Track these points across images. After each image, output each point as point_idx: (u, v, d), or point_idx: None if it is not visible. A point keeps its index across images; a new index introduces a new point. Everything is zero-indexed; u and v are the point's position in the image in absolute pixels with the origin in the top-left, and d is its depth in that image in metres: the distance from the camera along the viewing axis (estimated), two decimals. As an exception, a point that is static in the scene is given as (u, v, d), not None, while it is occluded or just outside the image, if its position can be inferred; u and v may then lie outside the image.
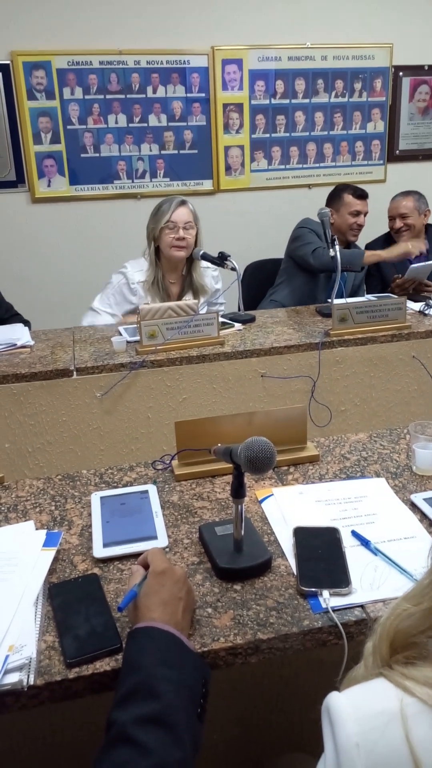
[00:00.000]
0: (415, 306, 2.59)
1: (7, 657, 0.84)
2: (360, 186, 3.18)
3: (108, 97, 3.47)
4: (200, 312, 2.43)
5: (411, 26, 3.74)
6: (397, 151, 3.97)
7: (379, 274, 3.12)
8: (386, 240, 3.24)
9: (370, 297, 2.80)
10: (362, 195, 3.09)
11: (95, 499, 1.23)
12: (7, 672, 0.83)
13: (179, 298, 2.67)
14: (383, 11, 3.67)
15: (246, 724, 1.20)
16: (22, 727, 1.09)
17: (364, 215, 3.11)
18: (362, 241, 3.29)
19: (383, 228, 3.32)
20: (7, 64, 3.29)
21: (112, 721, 0.72)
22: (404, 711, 0.53)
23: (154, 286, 2.64)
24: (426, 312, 2.52)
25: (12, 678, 0.82)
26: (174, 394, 2.16)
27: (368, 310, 2.30)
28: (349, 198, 3.07)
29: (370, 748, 0.52)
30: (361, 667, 0.64)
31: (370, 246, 3.25)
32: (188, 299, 2.62)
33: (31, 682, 0.83)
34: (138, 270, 2.65)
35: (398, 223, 3.09)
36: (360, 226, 3.12)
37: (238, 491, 0.99)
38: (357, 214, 3.08)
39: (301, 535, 1.08)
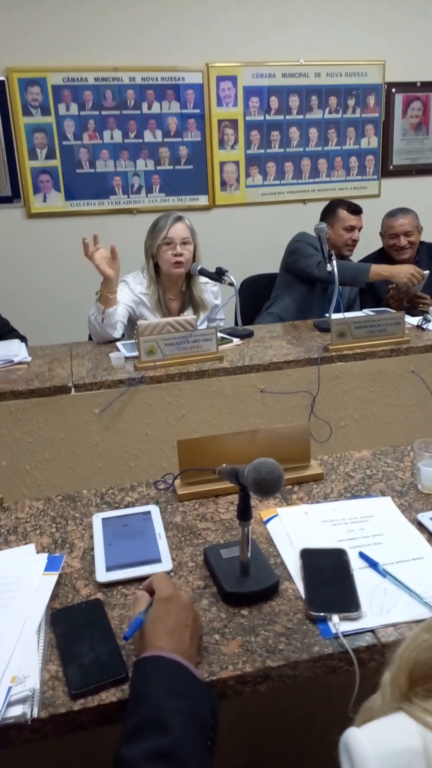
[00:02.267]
0: (413, 320, 2.59)
1: (9, 689, 0.82)
2: (354, 201, 3.19)
3: (103, 113, 3.48)
4: (200, 327, 2.42)
5: (403, 44, 3.78)
6: (391, 167, 3.99)
7: (371, 289, 3.12)
8: (379, 256, 3.25)
9: (367, 311, 2.80)
10: (356, 210, 3.10)
11: (97, 520, 1.20)
12: (10, 705, 0.80)
13: (179, 314, 2.65)
14: (376, 29, 3.71)
15: (253, 751, 1.17)
16: (21, 761, 1.05)
17: (359, 230, 3.11)
18: (356, 256, 3.30)
19: (377, 243, 3.33)
20: (3, 81, 3.30)
21: (120, 757, 0.70)
22: (427, 748, 0.51)
23: (156, 303, 2.62)
24: (424, 326, 2.52)
25: (15, 711, 0.80)
26: (173, 411, 2.14)
27: (367, 325, 2.30)
28: (343, 213, 3.08)
29: (395, 790, 0.50)
30: (378, 699, 0.62)
31: (363, 262, 3.25)
32: (188, 315, 2.61)
33: (35, 715, 0.80)
34: (138, 283, 2.64)
35: (403, 241, 3.09)
36: (354, 241, 3.12)
37: (244, 513, 0.97)
38: (351, 229, 3.09)
39: (308, 557, 1.06)
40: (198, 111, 3.61)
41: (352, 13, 3.65)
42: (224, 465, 1.03)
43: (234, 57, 3.57)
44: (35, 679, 0.84)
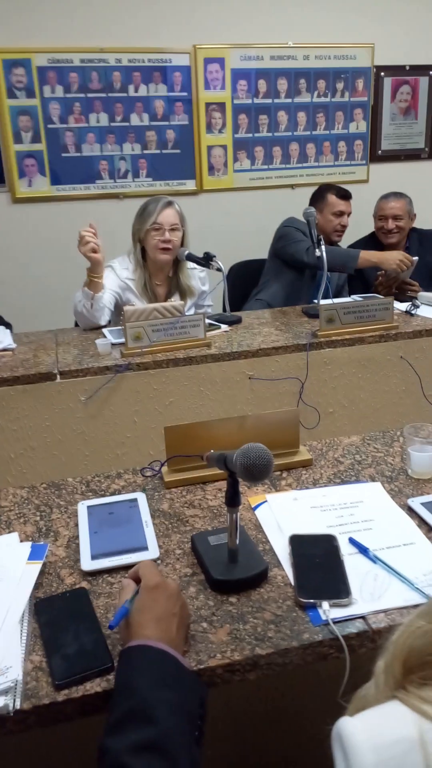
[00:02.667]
0: (401, 306, 2.57)
1: (-9, 680, 0.79)
2: (343, 186, 3.16)
3: (89, 95, 3.41)
4: (188, 313, 2.39)
5: (392, 27, 3.73)
6: (380, 151, 3.96)
7: (360, 275, 3.09)
8: (369, 241, 3.22)
9: (356, 297, 2.78)
10: (345, 195, 3.07)
11: (82, 508, 1.18)
12: (-8, 696, 0.78)
13: (166, 299, 2.62)
14: (365, 12, 3.66)
15: (241, 741, 1.15)
16: (4, 752, 1.03)
17: (348, 215, 3.09)
18: (345, 242, 3.27)
19: (366, 229, 3.31)
20: (-15, 62, 3.22)
21: (105, 749, 0.68)
22: (424, 738, 0.50)
23: (142, 288, 2.58)
24: (412, 312, 2.51)
25: (-3, 703, 0.78)
26: (160, 398, 2.11)
27: (355, 311, 2.28)
28: (332, 198, 3.05)
29: (389, 781, 0.49)
30: (372, 687, 0.60)
31: (352, 247, 3.23)
32: (175, 301, 2.57)
33: (18, 707, 0.78)
34: (124, 268, 2.59)
35: (391, 224, 3.07)
36: (344, 227, 3.10)
37: (233, 499, 0.95)
38: (340, 214, 3.06)
39: (298, 543, 1.04)
40: (185, 94, 3.55)
41: (341, -5, 3.60)
42: (212, 451, 1.01)
43: (222, 39, 3.51)
44: (18, 670, 0.82)
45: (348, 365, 2.28)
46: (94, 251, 2.30)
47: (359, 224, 3.32)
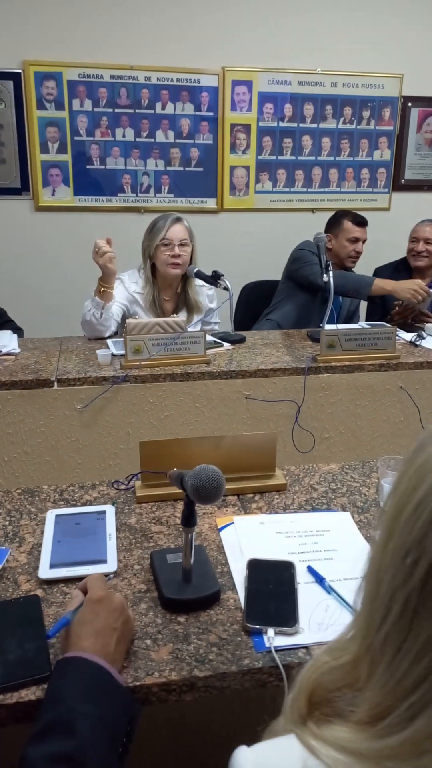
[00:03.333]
0: (406, 336, 2.56)
1: None
2: (362, 213, 3.17)
3: (117, 110, 3.49)
4: (194, 329, 2.42)
5: (422, 58, 3.76)
6: (403, 180, 3.97)
7: (382, 302, 3.09)
8: (399, 265, 3.22)
9: (363, 324, 2.78)
10: (361, 222, 3.07)
11: (50, 517, 1.20)
12: None
13: (172, 315, 2.65)
14: (395, 42, 3.69)
15: (187, 761, 1.15)
16: None
17: (363, 242, 3.09)
18: (371, 267, 3.27)
19: (385, 257, 3.31)
20: (19, 73, 3.32)
21: (24, 756, 0.69)
22: (305, 774, 0.50)
23: (150, 304, 2.62)
24: (417, 343, 2.49)
25: None
26: (156, 411, 2.13)
27: (357, 338, 2.28)
28: (348, 224, 3.06)
29: None
30: (281, 721, 0.61)
31: (378, 271, 3.23)
32: (181, 316, 2.60)
33: None
34: (133, 281, 2.64)
35: (421, 246, 3.08)
36: (358, 254, 3.10)
37: (188, 519, 0.96)
38: (355, 241, 3.06)
39: (255, 567, 1.04)
40: (211, 114, 3.61)
41: (372, 25, 3.63)
42: (175, 469, 1.02)
43: (251, 62, 3.57)
44: (-43, 672, 0.83)
45: (346, 392, 2.27)
46: (110, 261, 2.35)
47: (379, 252, 3.33)
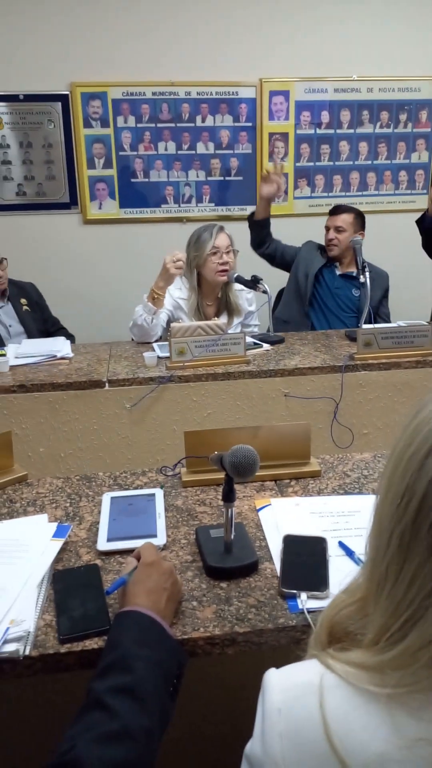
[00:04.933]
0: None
1: (7, 629, 0.95)
2: (402, 215, 3.21)
3: (159, 125, 3.65)
4: (235, 331, 2.54)
5: (458, 59, 3.79)
6: (441, 181, 4.00)
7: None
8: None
9: (400, 323, 2.84)
10: (332, 211, 3.20)
11: (106, 498, 1.33)
12: (6, 642, 0.93)
13: (214, 318, 2.78)
14: (429, 44, 3.74)
15: (237, 721, 1.26)
16: (25, 695, 1.19)
17: (336, 230, 3.11)
18: (396, 268, 3.31)
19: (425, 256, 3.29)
20: (66, 95, 3.53)
21: (89, 689, 0.81)
22: (322, 683, 0.60)
23: (195, 311, 2.77)
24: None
25: (10, 647, 0.93)
26: (199, 409, 2.26)
27: (393, 336, 2.35)
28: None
29: (288, 713, 0.60)
30: (307, 653, 0.71)
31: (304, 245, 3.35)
32: (222, 320, 2.73)
33: (27, 653, 0.93)
34: (177, 288, 2.78)
35: (331, 234, 3.14)
36: (330, 241, 3.14)
37: (228, 495, 1.08)
38: (327, 229, 3.17)
39: (290, 542, 1.15)
40: (250, 124, 3.74)
41: (405, 30, 3.70)
42: (215, 452, 1.14)
43: (287, 72, 3.68)
44: (31, 624, 0.97)
45: (384, 388, 2.35)
46: (179, 271, 2.52)
47: (422, 251, 3.33)
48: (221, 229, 2.73)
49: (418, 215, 3.69)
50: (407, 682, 0.57)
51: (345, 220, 3.11)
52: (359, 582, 0.68)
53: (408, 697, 0.57)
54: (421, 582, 0.57)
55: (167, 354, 2.33)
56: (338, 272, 3.18)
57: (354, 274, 3.01)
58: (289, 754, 0.58)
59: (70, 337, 2.99)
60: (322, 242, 3.24)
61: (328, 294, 3.13)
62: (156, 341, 2.64)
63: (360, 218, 3.16)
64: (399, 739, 0.55)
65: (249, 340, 2.52)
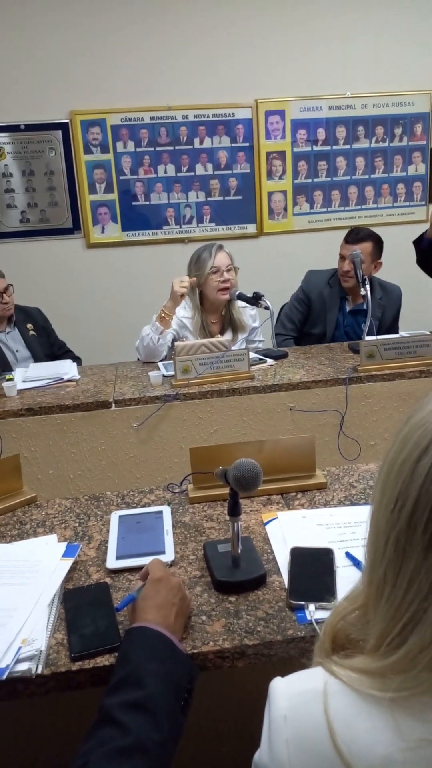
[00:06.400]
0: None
1: (19, 648, 0.96)
2: (401, 227, 3.22)
3: (158, 149, 3.72)
4: (240, 347, 2.57)
5: (451, 72, 3.85)
6: (439, 192, 4.04)
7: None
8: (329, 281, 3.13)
9: (403, 333, 2.85)
10: (348, 240, 2.95)
11: (114, 517, 1.35)
12: (19, 661, 0.94)
13: (218, 335, 2.81)
14: (421, 59, 3.80)
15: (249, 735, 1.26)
16: (35, 714, 1.19)
17: (350, 260, 2.81)
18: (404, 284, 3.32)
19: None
20: (67, 123, 3.60)
21: (101, 706, 0.82)
22: (326, 690, 0.61)
23: (200, 330, 2.80)
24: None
25: (23, 666, 0.94)
26: (205, 426, 2.27)
27: (396, 347, 2.37)
28: (343, 242, 2.98)
29: (294, 720, 0.61)
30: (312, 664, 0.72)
31: (310, 275, 3.21)
32: (227, 337, 2.76)
33: (39, 672, 0.94)
34: (181, 307, 2.81)
35: (347, 266, 2.89)
36: (346, 272, 2.90)
37: (233, 509, 1.09)
38: (342, 258, 2.96)
39: (297, 554, 1.16)
40: (247, 144, 3.80)
41: (398, 46, 3.76)
42: (220, 467, 1.15)
43: (282, 92, 3.75)
44: (42, 643, 0.98)
45: (388, 399, 2.36)
46: (183, 288, 2.56)
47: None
48: (220, 247, 2.77)
49: (418, 226, 3.75)
50: (409, 685, 0.58)
51: (364, 249, 2.84)
52: (360, 589, 0.69)
53: (410, 700, 0.58)
54: (418, 585, 0.58)
55: (172, 372, 2.36)
56: (348, 308, 3.04)
57: (364, 307, 2.72)
58: (296, 760, 0.59)
59: (77, 359, 3.02)
60: (326, 262, 3.21)
61: (338, 332, 3.04)
62: (161, 360, 2.66)
63: (379, 246, 2.95)
64: (403, 742, 0.56)
65: (253, 355, 2.54)
